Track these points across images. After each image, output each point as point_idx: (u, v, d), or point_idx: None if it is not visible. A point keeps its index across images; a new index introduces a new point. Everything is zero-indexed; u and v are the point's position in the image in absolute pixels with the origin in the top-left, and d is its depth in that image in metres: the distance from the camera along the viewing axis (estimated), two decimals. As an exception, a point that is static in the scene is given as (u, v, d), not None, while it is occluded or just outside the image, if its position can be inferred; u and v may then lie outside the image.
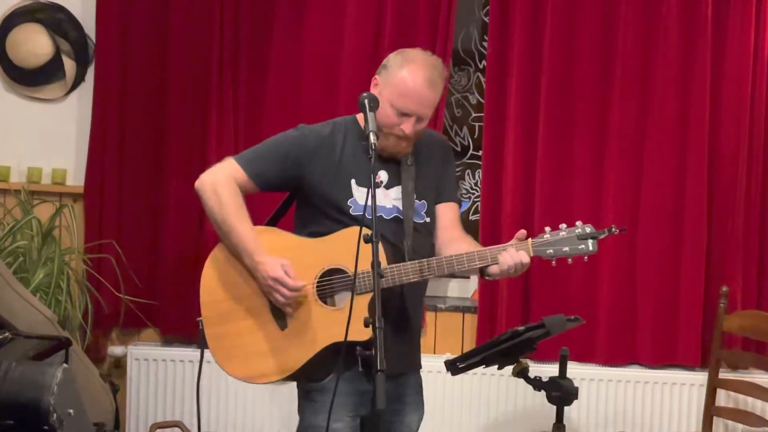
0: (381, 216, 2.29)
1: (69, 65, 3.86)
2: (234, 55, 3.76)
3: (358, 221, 2.38)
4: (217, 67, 3.73)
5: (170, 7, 3.76)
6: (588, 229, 2.41)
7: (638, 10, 3.73)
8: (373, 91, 2.48)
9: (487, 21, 3.85)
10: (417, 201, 2.54)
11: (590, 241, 2.39)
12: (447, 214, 2.63)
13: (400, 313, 2.51)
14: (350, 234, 2.37)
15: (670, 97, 3.74)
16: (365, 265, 2.22)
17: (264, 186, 2.56)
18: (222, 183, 2.50)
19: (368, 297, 2.35)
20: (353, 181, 2.49)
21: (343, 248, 2.41)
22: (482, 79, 4.02)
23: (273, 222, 2.66)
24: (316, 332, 2.43)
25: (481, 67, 4.15)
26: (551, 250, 2.39)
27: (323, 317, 2.43)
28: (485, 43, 3.96)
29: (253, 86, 3.79)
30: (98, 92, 3.80)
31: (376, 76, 2.53)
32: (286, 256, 2.45)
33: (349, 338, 2.19)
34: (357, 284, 2.32)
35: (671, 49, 3.72)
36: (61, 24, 3.84)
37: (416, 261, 2.40)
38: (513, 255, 2.37)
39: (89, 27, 3.85)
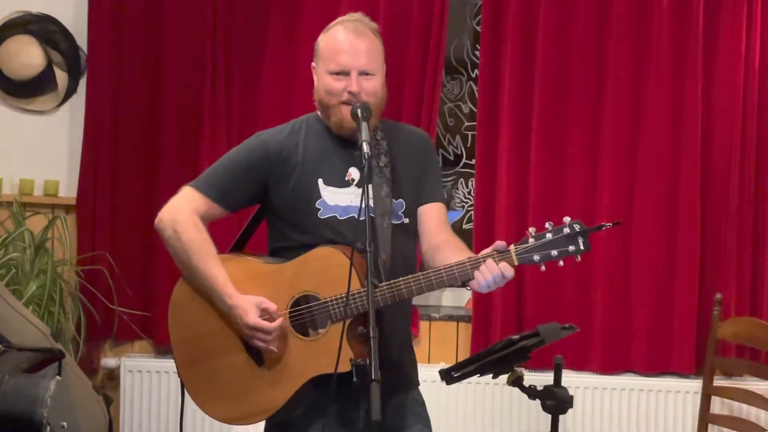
0: (353, 217, 2.12)
1: (61, 77, 3.85)
2: (227, 66, 3.77)
3: (329, 226, 2.30)
4: (211, 77, 3.74)
5: (162, 17, 3.76)
6: (577, 227, 2.13)
7: (630, 18, 3.74)
8: (314, 79, 2.39)
9: (479, 30, 3.86)
10: (394, 200, 2.36)
11: (581, 240, 2.13)
12: (432, 216, 2.41)
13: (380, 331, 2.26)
14: (316, 256, 2.26)
15: (662, 107, 3.74)
16: (336, 290, 2.15)
17: (231, 206, 2.40)
18: (182, 219, 2.33)
19: (347, 323, 2.20)
20: (320, 180, 2.33)
21: (310, 273, 2.27)
22: (475, 88, 4.02)
23: (241, 242, 2.50)
24: (295, 367, 2.28)
25: (473, 76, 4.15)
26: (538, 256, 2.14)
27: (300, 350, 2.28)
28: (477, 52, 3.98)
29: (247, 97, 3.79)
30: (90, 103, 3.79)
31: (312, 65, 2.42)
32: (250, 287, 2.30)
33: (328, 371, 2.11)
34: (334, 311, 2.22)
35: (663, 60, 3.73)
36: (52, 35, 3.84)
37: (377, 288, 2.18)
38: (492, 269, 2.14)
39: (81, 38, 3.84)
